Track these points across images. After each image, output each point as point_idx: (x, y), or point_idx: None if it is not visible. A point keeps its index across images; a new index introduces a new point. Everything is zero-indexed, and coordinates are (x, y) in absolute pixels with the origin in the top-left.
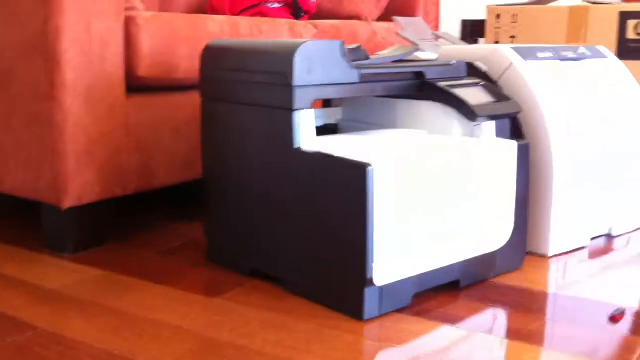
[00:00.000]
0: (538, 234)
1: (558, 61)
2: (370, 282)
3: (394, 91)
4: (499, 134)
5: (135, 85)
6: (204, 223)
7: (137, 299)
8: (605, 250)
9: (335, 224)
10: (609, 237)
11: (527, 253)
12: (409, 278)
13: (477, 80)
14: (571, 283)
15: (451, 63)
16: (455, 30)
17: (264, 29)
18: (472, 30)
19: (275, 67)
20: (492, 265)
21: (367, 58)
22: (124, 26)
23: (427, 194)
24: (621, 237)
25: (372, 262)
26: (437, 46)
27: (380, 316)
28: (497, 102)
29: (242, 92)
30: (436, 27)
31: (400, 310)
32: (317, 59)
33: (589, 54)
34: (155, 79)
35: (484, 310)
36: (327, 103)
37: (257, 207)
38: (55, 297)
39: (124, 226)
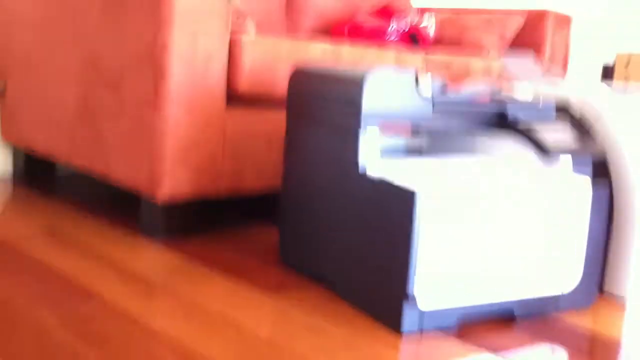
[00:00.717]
0: (617, 275)
1: None
2: (412, 298)
3: (476, 126)
4: (578, 169)
5: (236, 99)
6: (279, 227)
7: (204, 288)
8: None
9: (385, 240)
10: None
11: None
12: (459, 307)
13: (563, 124)
14: None
15: (536, 104)
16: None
17: (368, 58)
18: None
19: (347, 95)
20: (555, 300)
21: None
22: (229, 46)
23: (484, 223)
24: None
25: (414, 279)
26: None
27: (422, 333)
28: (577, 141)
29: (319, 114)
30: (564, 67)
31: (444, 330)
32: (388, 88)
33: None
34: (254, 95)
35: (532, 344)
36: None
37: (321, 217)
38: (136, 276)
39: (213, 224)
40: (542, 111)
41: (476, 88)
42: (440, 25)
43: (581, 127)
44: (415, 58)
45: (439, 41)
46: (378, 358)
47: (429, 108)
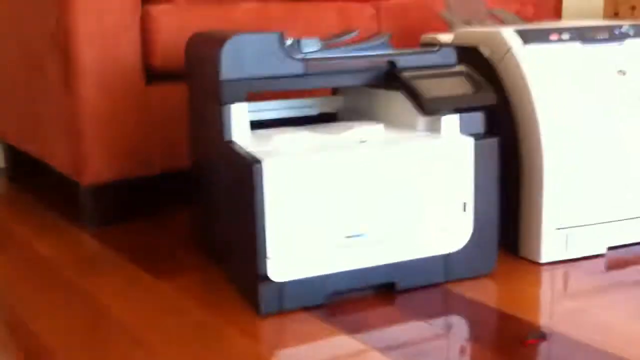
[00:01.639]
0: (529, 237)
1: (578, 44)
2: (266, 278)
3: (358, 82)
4: (467, 127)
5: (157, 75)
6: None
7: (100, 279)
8: (622, 262)
9: (239, 218)
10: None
11: (522, 258)
12: (320, 276)
13: (460, 69)
14: (551, 302)
15: (433, 50)
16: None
17: (303, 15)
18: None
19: (210, 62)
20: (441, 265)
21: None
22: (141, 20)
23: (346, 192)
24: None
25: (266, 258)
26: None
27: (286, 313)
28: (468, 94)
29: (199, 85)
30: (557, 11)
31: (310, 309)
32: (249, 52)
33: (632, 33)
34: (175, 69)
35: (404, 323)
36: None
37: (208, 194)
38: (47, 265)
39: (147, 206)
40: (440, 57)
41: (372, 41)
42: None
43: (487, 69)
44: (364, 10)
45: None
46: (228, 342)
47: (299, 68)
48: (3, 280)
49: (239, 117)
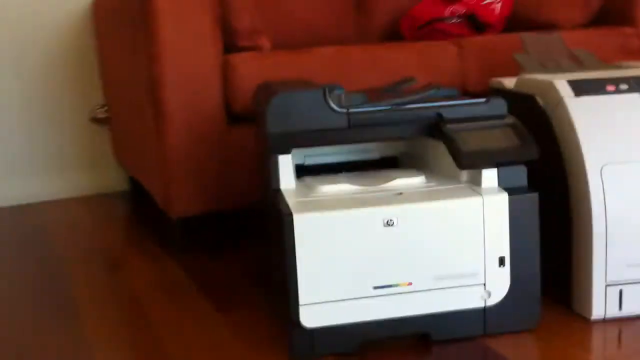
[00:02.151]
0: (581, 292)
1: (637, 95)
2: (298, 324)
3: (405, 134)
4: (507, 181)
5: (238, 117)
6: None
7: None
8: None
9: (278, 264)
10: None
11: (576, 314)
12: (352, 323)
13: (508, 122)
14: None
15: (482, 101)
16: None
17: (382, 59)
18: None
19: (262, 114)
20: (478, 318)
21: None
22: (222, 68)
23: (374, 245)
24: None
25: (298, 304)
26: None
27: (317, 358)
28: (508, 147)
29: (258, 133)
30: None
31: (342, 355)
32: (295, 108)
33: None
34: (253, 112)
35: None
36: None
37: (265, 238)
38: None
39: (229, 239)
40: (490, 108)
41: (419, 93)
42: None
43: (543, 119)
44: (446, 49)
45: (513, 22)
46: None
47: (343, 122)
48: (81, 295)
49: (286, 167)
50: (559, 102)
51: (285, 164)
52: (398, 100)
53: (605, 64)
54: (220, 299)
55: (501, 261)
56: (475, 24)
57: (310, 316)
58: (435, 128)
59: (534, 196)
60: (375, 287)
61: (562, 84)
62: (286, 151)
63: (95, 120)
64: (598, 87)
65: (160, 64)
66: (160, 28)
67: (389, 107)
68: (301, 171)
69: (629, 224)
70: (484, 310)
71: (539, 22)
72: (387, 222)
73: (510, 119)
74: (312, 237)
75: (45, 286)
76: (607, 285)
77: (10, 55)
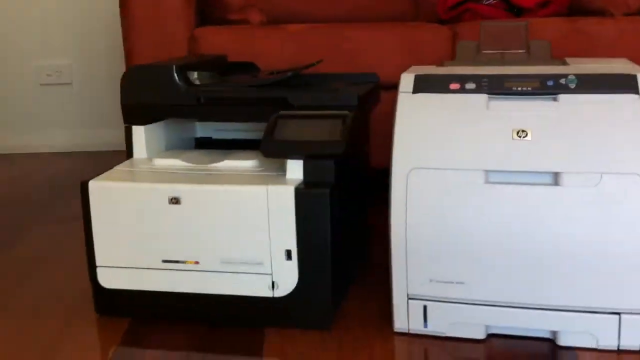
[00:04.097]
0: (390, 302)
1: (483, 96)
2: (97, 284)
3: (251, 116)
4: (314, 174)
5: None
6: None
7: None
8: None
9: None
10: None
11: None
12: (147, 291)
13: (343, 114)
14: None
15: (334, 91)
16: None
17: (349, 35)
18: None
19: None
20: (267, 311)
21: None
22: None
23: (164, 221)
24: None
25: (95, 265)
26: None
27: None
28: (315, 141)
29: None
30: None
31: (141, 320)
32: (146, 80)
33: (574, 85)
34: None
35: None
36: None
37: None
38: None
39: None
40: (341, 99)
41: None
42: None
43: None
44: (439, 31)
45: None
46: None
47: (192, 99)
48: None
49: (139, 138)
50: (397, 97)
51: (139, 135)
52: (251, 82)
53: (552, 59)
54: None
55: (288, 254)
56: (510, 6)
57: (107, 277)
58: (272, 112)
59: (324, 192)
60: (164, 261)
61: (407, 78)
62: (138, 122)
63: None
64: (442, 84)
65: (132, 36)
66: (132, 4)
67: (234, 88)
68: (208, 145)
69: (430, 235)
70: (271, 301)
71: (592, 8)
72: (172, 199)
73: (348, 113)
74: (105, 205)
75: None
76: (409, 299)
77: None
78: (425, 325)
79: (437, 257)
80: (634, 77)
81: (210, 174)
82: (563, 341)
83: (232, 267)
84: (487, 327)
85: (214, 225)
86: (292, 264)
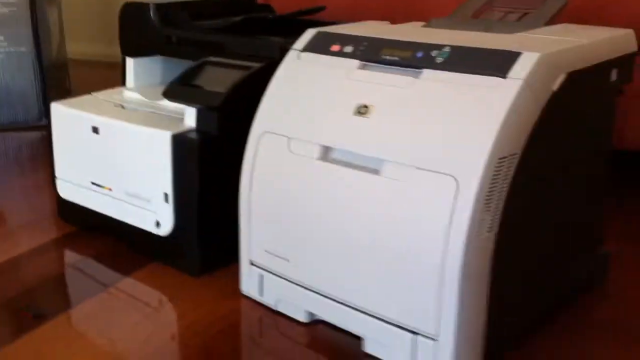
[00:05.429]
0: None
1: (356, 62)
2: (57, 192)
3: (198, 58)
4: (204, 122)
5: None
6: None
7: None
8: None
9: None
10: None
11: None
12: (85, 207)
13: (254, 66)
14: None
15: (262, 40)
16: None
17: None
18: None
19: None
20: (154, 246)
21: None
22: None
23: (90, 150)
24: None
25: (55, 176)
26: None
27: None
28: (207, 90)
29: None
30: None
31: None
32: (132, 18)
33: (440, 60)
34: None
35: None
36: None
37: None
38: None
39: None
40: (266, 49)
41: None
42: None
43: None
44: None
45: None
46: None
47: (161, 38)
48: None
49: (131, 68)
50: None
51: (129, 66)
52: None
53: (541, 25)
54: None
55: (166, 197)
56: None
57: (62, 188)
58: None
59: (193, 141)
60: (92, 183)
61: (308, 34)
62: (130, 54)
63: None
64: (326, 45)
65: None
66: None
67: (197, 30)
68: None
69: (268, 205)
70: (157, 238)
71: None
72: (93, 129)
73: (257, 64)
74: (59, 125)
75: None
76: (251, 264)
77: None
78: (261, 295)
79: (272, 228)
80: (517, 55)
81: (136, 110)
82: (367, 348)
83: (133, 200)
84: (310, 312)
85: (121, 157)
86: (169, 207)
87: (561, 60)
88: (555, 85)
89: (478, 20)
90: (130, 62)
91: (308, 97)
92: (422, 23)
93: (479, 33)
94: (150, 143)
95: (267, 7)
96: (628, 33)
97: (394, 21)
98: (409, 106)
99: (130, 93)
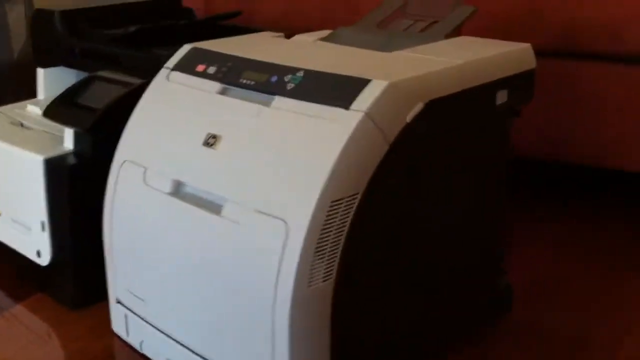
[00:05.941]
0: None
1: (217, 85)
2: None
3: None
4: (79, 144)
5: None
6: None
7: None
8: None
9: None
10: None
11: None
12: None
13: (133, 81)
14: None
15: (144, 52)
16: None
17: None
18: None
19: None
20: (39, 275)
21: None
22: None
23: None
24: None
25: None
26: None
27: None
28: (75, 111)
29: None
30: None
31: None
32: (41, 25)
33: (292, 86)
34: None
35: None
36: None
37: None
38: None
39: None
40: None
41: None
42: None
43: None
44: None
45: None
46: None
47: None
48: None
49: (40, 80)
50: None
51: (40, 77)
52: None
53: (442, 38)
54: None
55: (42, 225)
56: None
57: None
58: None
59: (65, 165)
60: None
61: (183, 50)
62: (40, 65)
63: None
64: (192, 64)
65: None
66: None
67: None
68: None
69: (127, 241)
70: (40, 268)
71: None
72: None
73: (138, 81)
74: None
75: None
76: (117, 302)
77: None
78: (128, 335)
79: (131, 266)
80: (365, 82)
81: (31, 128)
82: None
83: (17, 226)
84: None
85: (3, 181)
86: (46, 236)
87: (418, 88)
88: (410, 117)
89: (380, 31)
90: (40, 72)
91: (168, 123)
92: (328, 32)
93: (355, 50)
94: (22, 167)
95: (189, 12)
96: (524, 49)
97: (333, 24)
98: (254, 139)
99: (33, 108)
